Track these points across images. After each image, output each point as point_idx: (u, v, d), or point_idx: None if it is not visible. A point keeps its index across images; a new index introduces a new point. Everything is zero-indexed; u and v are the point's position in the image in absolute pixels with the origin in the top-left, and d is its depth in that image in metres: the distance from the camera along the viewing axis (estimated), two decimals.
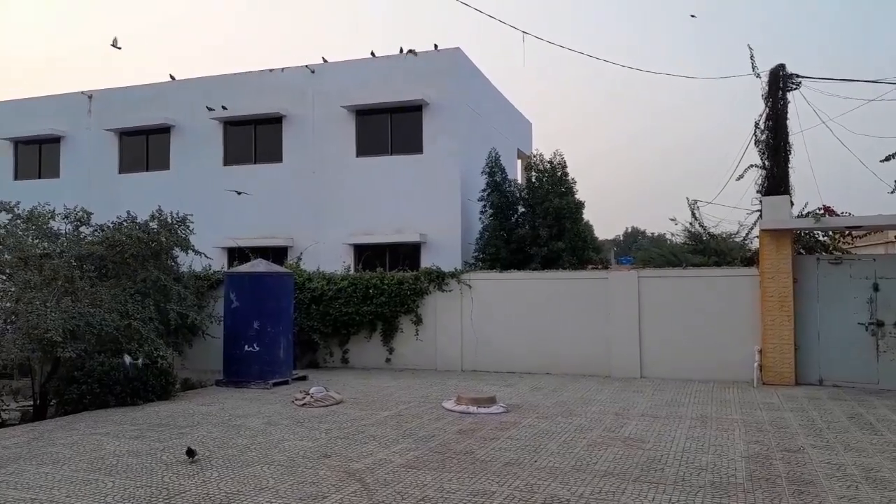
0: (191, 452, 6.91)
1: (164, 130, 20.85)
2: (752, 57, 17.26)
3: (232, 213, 19.35)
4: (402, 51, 18.63)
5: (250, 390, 11.82)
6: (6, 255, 11.16)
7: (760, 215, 13.89)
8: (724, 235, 17.68)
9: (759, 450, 7.34)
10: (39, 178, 22.12)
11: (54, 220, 12.05)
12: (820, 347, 12.08)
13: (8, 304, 10.80)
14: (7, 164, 22.60)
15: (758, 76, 17.16)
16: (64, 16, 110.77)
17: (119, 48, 12.78)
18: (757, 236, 13.34)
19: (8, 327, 10.28)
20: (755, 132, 17.24)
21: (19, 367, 11.50)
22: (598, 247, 20.26)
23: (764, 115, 17.11)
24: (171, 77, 21.07)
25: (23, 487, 6.06)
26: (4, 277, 11.27)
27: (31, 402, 11.19)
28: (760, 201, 14.08)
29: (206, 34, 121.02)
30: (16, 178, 22.42)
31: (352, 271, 16.11)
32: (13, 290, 10.88)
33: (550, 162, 17.12)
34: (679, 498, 5.66)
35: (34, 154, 22.56)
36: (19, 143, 22.59)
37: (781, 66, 16.97)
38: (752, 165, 17.25)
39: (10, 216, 11.67)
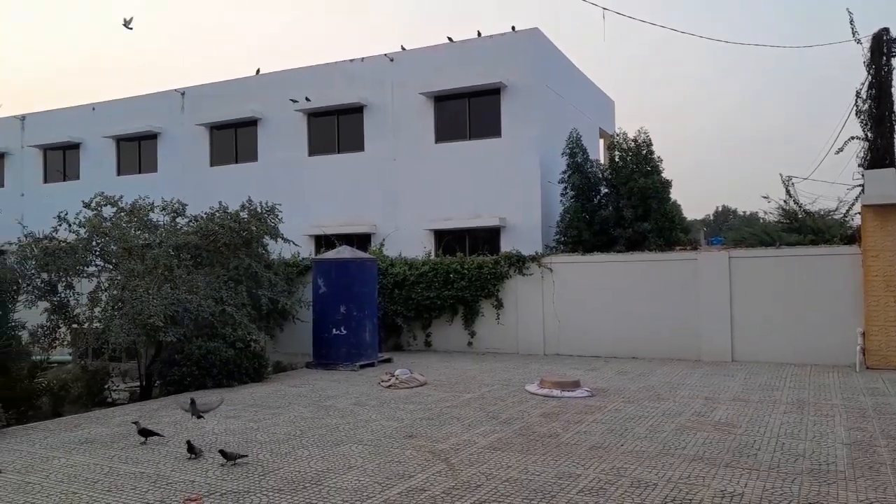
0: (191, 449, 6.54)
1: (252, 123, 21.61)
2: (851, 22, 16.23)
3: (318, 201, 19.89)
4: (479, 35, 18.54)
5: (338, 372, 12.19)
6: (112, 246, 11.90)
7: (862, 190, 13.09)
8: (821, 213, 16.80)
9: (862, 437, 6.97)
10: (139, 173, 23.42)
11: (153, 212, 12.74)
12: None
13: (115, 292, 11.53)
14: (111, 160, 24.04)
15: (858, 42, 16.15)
16: (148, 13, 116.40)
17: (131, 28, 13.14)
18: (858, 213, 12.58)
19: (115, 313, 10.97)
20: (856, 102, 16.26)
21: (126, 351, 12.28)
22: (686, 227, 19.64)
23: (866, 84, 16.11)
24: (257, 71, 21.79)
25: (132, 462, 6.49)
26: (111, 267, 12.04)
27: (138, 383, 11.95)
28: (863, 175, 13.27)
29: (288, 27, 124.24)
30: (118, 173, 23.82)
31: (432, 256, 16.27)
32: (119, 278, 11.60)
33: (635, 140, 16.65)
34: (774, 484, 5.45)
35: (134, 150, 23.89)
36: (121, 141, 23.97)
37: (885, 31, 15.90)
38: (853, 137, 16.29)
39: (114, 209, 12.42)
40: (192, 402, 6.38)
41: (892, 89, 15.93)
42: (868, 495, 5.20)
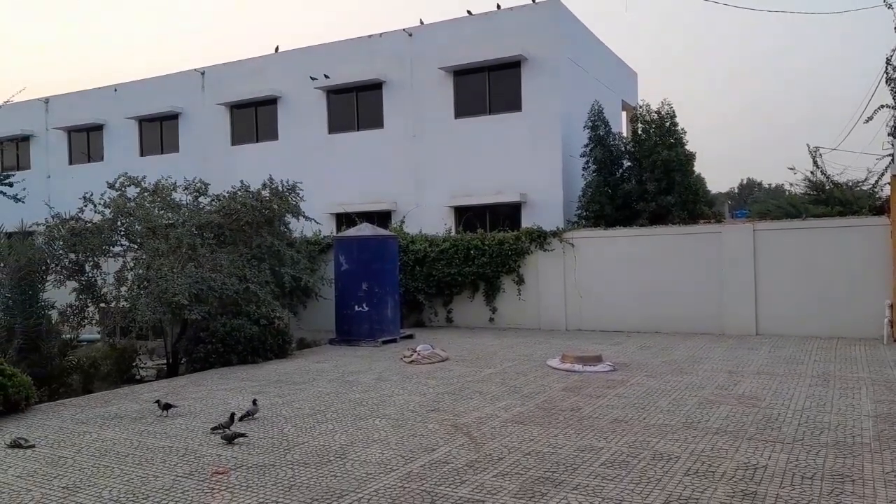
0: (164, 406, 7.42)
1: (272, 102, 21.63)
2: None
3: (338, 179, 19.92)
4: (499, 7, 18.30)
5: (361, 348, 12.30)
6: (137, 226, 12.06)
7: (892, 160, 12.79)
8: (849, 184, 16.47)
9: (889, 409, 6.89)
10: (161, 153, 23.61)
11: (176, 191, 12.86)
12: None
13: (140, 272, 11.70)
14: (133, 141, 24.26)
15: (889, 7, 15.61)
16: None
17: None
18: (888, 183, 12.31)
19: (141, 292, 11.14)
20: (887, 69, 15.77)
21: (153, 329, 12.49)
22: (710, 200, 19.39)
23: None
24: (276, 49, 21.75)
25: (162, 436, 6.63)
26: (136, 246, 12.21)
27: (165, 361, 12.17)
28: (893, 144, 12.95)
29: (306, 5, 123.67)
30: (141, 154, 24.04)
31: (453, 233, 16.26)
32: (144, 257, 11.77)
33: (658, 112, 16.39)
34: (798, 457, 5.42)
35: (156, 131, 24.07)
36: (143, 122, 24.16)
37: None
38: (882, 106, 15.84)
39: (138, 190, 12.56)
40: (232, 417, 6.67)
41: None
42: (894, 467, 5.14)
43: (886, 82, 15.83)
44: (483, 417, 6.98)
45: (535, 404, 7.50)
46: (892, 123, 15.64)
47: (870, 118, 15.90)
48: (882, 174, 15.82)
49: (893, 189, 11.50)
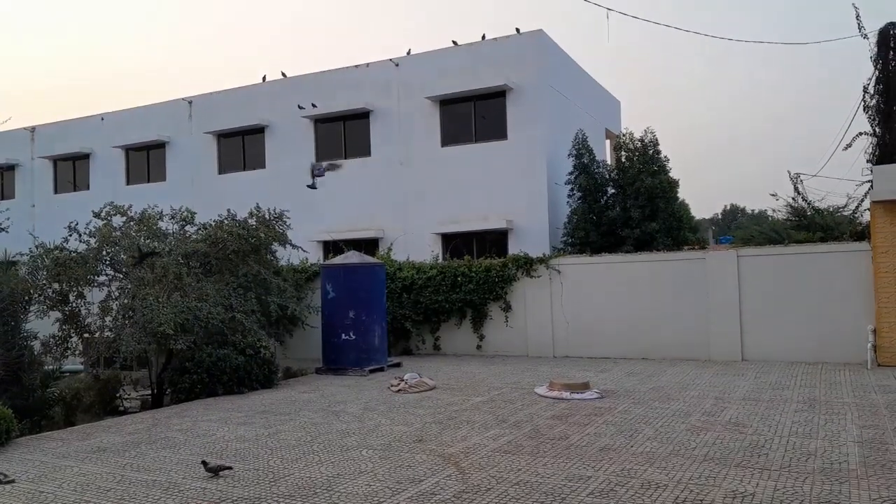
0: (213, 468, 6.22)
1: (259, 131, 21.72)
2: (857, 17, 16.11)
3: (326, 207, 19.95)
4: (483, 37, 18.58)
5: (348, 377, 12.22)
6: (122, 255, 11.99)
7: (871, 186, 13.00)
8: (830, 209, 16.67)
9: (874, 435, 6.93)
10: (148, 182, 23.57)
11: (162, 220, 12.82)
12: None
13: (125, 301, 11.61)
14: (120, 170, 24.22)
15: (865, 37, 16.01)
16: (150, 24, 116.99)
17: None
18: (868, 209, 12.50)
19: (126, 322, 11.04)
20: (864, 97, 16.13)
21: (138, 359, 12.36)
22: (694, 226, 19.57)
23: (873, 79, 15.97)
24: (264, 78, 21.88)
25: (144, 470, 6.53)
26: (121, 276, 12.12)
27: (150, 391, 12.02)
28: (871, 171, 13.18)
29: (291, 34, 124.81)
30: (128, 182, 23.99)
31: (440, 260, 16.28)
32: (129, 287, 11.68)
33: (641, 140, 16.62)
34: (785, 484, 5.43)
35: (143, 160, 24.07)
36: (130, 150, 24.14)
37: (891, 25, 15.77)
38: (860, 133, 16.16)
39: (124, 219, 12.51)
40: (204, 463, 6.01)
41: None
42: (881, 494, 5.17)
43: (864, 110, 16.18)
44: (471, 447, 6.94)
45: (523, 433, 7.48)
46: (870, 150, 15.96)
47: (849, 145, 16.20)
48: (862, 200, 16.06)
49: (874, 215, 11.67)
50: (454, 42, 18.92)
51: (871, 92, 15.90)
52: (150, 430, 8.36)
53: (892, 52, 15.84)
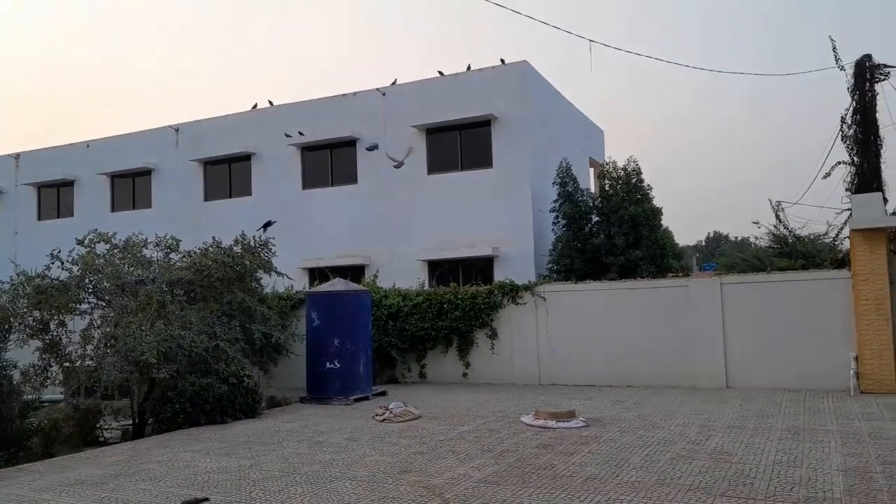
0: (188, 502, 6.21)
1: (246, 158, 21.77)
2: (834, 49, 16.55)
3: (312, 234, 19.96)
4: (469, 68, 18.82)
5: (332, 406, 12.11)
6: (105, 283, 11.89)
7: (851, 215, 13.21)
8: (811, 237, 16.90)
9: (858, 463, 6.95)
10: (133, 209, 23.48)
11: (147, 248, 12.75)
12: None
13: (108, 329, 11.49)
14: (105, 197, 24.12)
15: (842, 69, 16.43)
16: (140, 52, 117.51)
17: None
18: (847, 237, 12.68)
19: (108, 350, 10.91)
20: (842, 127, 16.50)
21: (119, 388, 12.19)
22: (678, 253, 19.73)
23: (851, 109, 16.36)
24: (254, 106, 21.96)
25: (122, 503, 6.42)
26: (104, 304, 12.01)
27: (131, 421, 11.85)
28: (850, 199, 13.40)
29: (278, 63, 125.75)
30: (112, 209, 23.87)
31: (426, 287, 16.28)
32: (112, 315, 11.57)
33: (624, 169, 16.84)
34: None
35: (128, 186, 24.00)
36: (115, 177, 24.07)
37: (867, 57, 16.21)
38: (839, 162, 16.49)
39: (108, 246, 12.43)
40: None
41: (877, 114, 16.17)
42: None
43: (842, 140, 16.52)
44: (456, 478, 6.89)
45: (509, 463, 7.44)
46: (849, 179, 16.26)
47: (828, 174, 16.52)
48: (842, 228, 16.30)
49: (853, 243, 11.84)
50: (440, 72, 19.16)
51: (849, 122, 16.27)
52: (129, 461, 8.22)
53: (868, 83, 16.23)
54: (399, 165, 11.21)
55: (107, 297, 11.89)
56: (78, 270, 11.76)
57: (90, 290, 11.95)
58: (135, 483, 7.13)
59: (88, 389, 11.89)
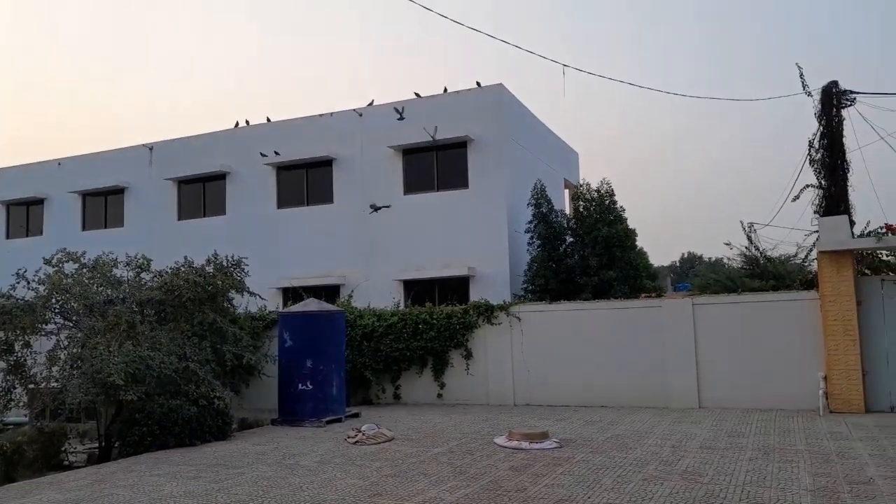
0: None
1: (220, 177, 21.63)
2: (801, 76, 16.90)
3: (287, 254, 19.83)
4: (445, 90, 18.96)
5: (304, 428, 11.96)
6: (73, 303, 11.68)
7: (818, 238, 13.44)
8: (782, 258, 17.16)
9: (826, 482, 7.01)
10: (105, 228, 23.16)
11: (117, 267, 12.57)
12: (890, 372, 11.53)
13: (75, 350, 11.26)
14: (76, 216, 23.77)
15: (809, 95, 16.78)
16: (107, 74, 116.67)
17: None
18: (816, 258, 12.90)
19: (74, 372, 10.69)
20: (810, 151, 16.80)
21: (86, 411, 11.93)
22: (653, 274, 19.90)
23: (818, 134, 16.67)
24: (236, 124, 21.83)
25: None
26: (71, 324, 11.79)
27: (97, 444, 11.58)
28: (818, 223, 13.64)
29: (251, 82, 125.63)
30: (84, 228, 23.53)
31: (401, 307, 16.21)
32: (79, 335, 11.36)
33: (598, 191, 17.02)
34: None
35: (100, 205, 23.70)
36: (87, 196, 23.76)
37: (834, 83, 16.56)
38: (807, 186, 16.77)
39: (76, 265, 12.23)
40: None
41: (843, 139, 16.52)
42: None
43: (810, 163, 16.84)
44: (427, 501, 6.82)
45: (481, 486, 7.38)
46: (816, 202, 16.55)
47: (796, 197, 16.79)
48: (811, 249, 16.57)
49: (821, 265, 12.04)
50: (417, 94, 19.26)
51: (817, 146, 16.58)
52: (93, 486, 8.03)
53: (834, 109, 16.60)
54: (375, 210, 12.72)
55: (74, 318, 11.68)
56: (45, 290, 11.54)
57: (57, 311, 11.74)
58: None
59: (53, 412, 11.62)
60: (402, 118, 18.42)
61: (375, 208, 15.29)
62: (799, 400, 11.94)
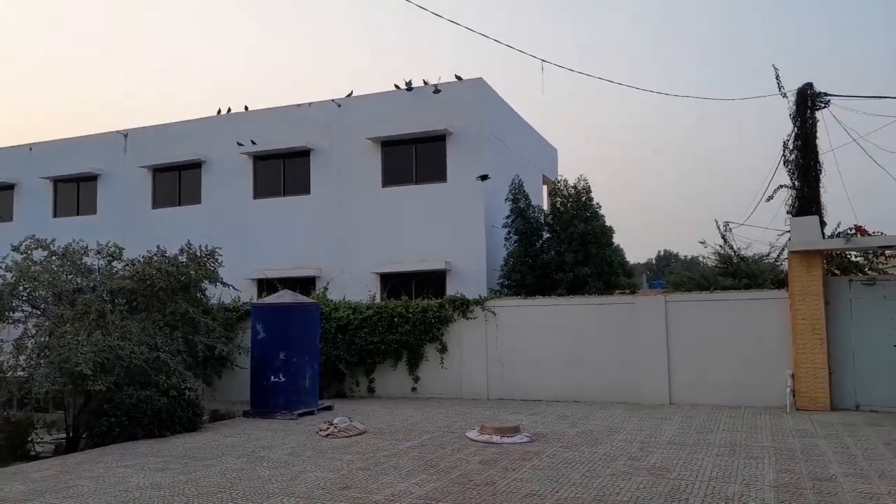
0: None
1: (196, 166, 21.36)
2: (777, 77, 17.09)
3: (263, 244, 19.66)
4: (425, 83, 18.88)
5: (276, 421, 11.89)
6: (41, 291, 11.49)
7: (790, 238, 13.62)
8: (755, 257, 17.37)
9: (790, 479, 7.12)
10: (77, 215, 22.77)
11: (88, 255, 12.37)
12: (856, 371, 11.74)
13: (42, 339, 11.08)
14: (47, 202, 23.33)
15: (784, 96, 16.98)
16: (87, 57, 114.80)
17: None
18: (787, 258, 13.08)
19: (41, 361, 10.53)
20: (784, 152, 17.01)
21: (53, 401, 11.75)
22: (629, 271, 20.00)
23: (792, 135, 16.88)
24: (219, 111, 21.52)
25: None
26: (39, 312, 11.59)
27: (65, 435, 11.42)
28: (790, 223, 13.82)
29: (230, 70, 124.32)
30: (55, 215, 23.11)
31: (378, 300, 16.17)
32: (47, 324, 11.17)
33: (575, 187, 17.06)
34: None
35: (72, 192, 23.27)
36: (58, 182, 23.34)
37: (809, 85, 16.77)
38: (781, 186, 16.98)
39: (46, 253, 12.03)
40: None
41: (817, 140, 16.75)
42: None
43: (784, 164, 17.05)
44: (396, 494, 6.82)
45: (451, 479, 7.40)
46: (790, 202, 16.78)
47: (770, 197, 17.00)
48: (783, 249, 16.81)
49: (791, 265, 12.21)
50: (396, 86, 19.16)
51: (791, 147, 16.79)
52: (58, 476, 7.92)
53: (809, 111, 16.81)
54: (483, 179, 14.90)
55: (42, 306, 11.49)
56: (12, 277, 11.34)
57: (24, 298, 11.55)
58: (61, 500, 6.85)
59: (20, 401, 11.46)
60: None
61: (483, 177, 16.44)
62: (767, 397, 12.12)
